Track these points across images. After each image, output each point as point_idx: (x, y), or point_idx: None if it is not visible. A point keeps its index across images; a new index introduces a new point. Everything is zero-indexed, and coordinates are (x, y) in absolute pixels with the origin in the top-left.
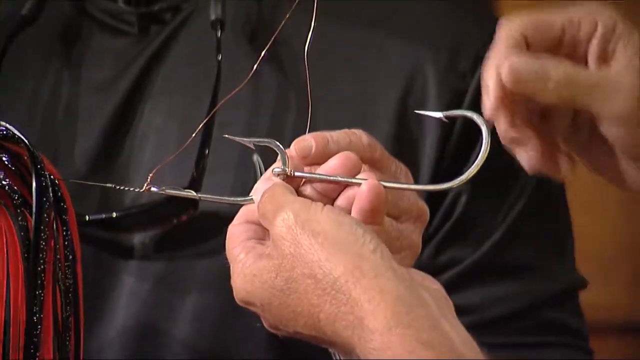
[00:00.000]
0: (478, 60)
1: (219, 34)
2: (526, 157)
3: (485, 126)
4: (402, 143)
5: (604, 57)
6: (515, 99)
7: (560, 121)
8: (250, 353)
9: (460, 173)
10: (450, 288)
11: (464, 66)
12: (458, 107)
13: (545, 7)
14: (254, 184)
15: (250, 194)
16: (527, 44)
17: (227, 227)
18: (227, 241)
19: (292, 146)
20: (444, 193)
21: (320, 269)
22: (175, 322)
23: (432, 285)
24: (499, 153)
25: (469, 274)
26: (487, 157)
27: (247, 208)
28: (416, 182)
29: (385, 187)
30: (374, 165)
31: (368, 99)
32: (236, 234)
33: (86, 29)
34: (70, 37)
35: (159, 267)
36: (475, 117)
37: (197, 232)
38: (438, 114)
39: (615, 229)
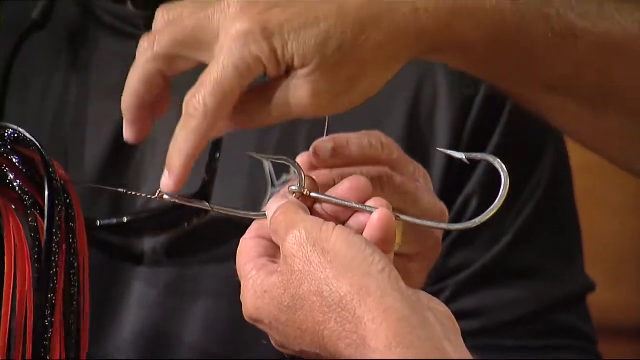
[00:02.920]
0: None
1: None
2: None
3: (504, 171)
4: (412, 150)
5: None
6: None
7: None
8: (261, 358)
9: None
10: (461, 291)
11: None
12: (468, 111)
13: None
14: (266, 190)
15: (263, 209)
16: None
17: (238, 233)
18: (238, 255)
19: (311, 148)
20: (454, 195)
21: (327, 286)
22: (185, 327)
23: (438, 307)
24: (510, 155)
25: (479, 277)
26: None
27: (260, 222)
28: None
29: (397, 218)
30: (393, 166)
31: (378, 106)
32: (248, 249)
33: (94, 32)
34: (78, 41)
35: (169, 273)
36: (495, 162)
37: (208, 238)
38: (460, 155)
39: (625, 231)
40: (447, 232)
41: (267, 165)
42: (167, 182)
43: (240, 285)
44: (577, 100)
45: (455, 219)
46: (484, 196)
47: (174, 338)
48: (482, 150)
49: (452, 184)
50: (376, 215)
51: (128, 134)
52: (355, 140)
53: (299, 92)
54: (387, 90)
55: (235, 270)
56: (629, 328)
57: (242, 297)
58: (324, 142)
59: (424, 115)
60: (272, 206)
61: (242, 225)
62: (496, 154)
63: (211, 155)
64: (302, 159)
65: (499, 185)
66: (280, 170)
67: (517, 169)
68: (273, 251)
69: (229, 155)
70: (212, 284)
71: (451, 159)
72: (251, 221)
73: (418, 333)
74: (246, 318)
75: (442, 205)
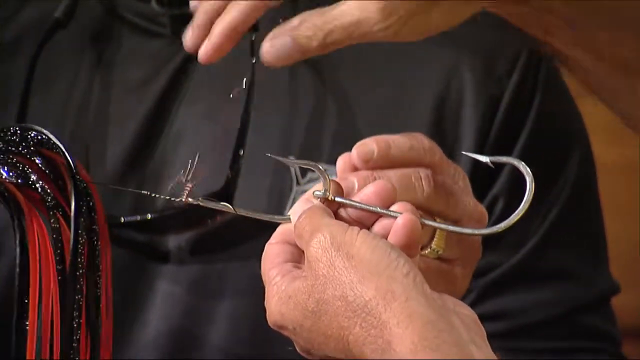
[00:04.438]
0: (514, 64)
1: (253, 37)
2: None
3: (529, 175)
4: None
5: None
6: None
7: None
8: (285, 358)
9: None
10: (487, 293)
11: (500, 70)
12: (494, 111)
13: None
14: (291, 188)
15: (288, 213)
16: None
17: (262, 231)
18: (263, 261)
19: (353, 150)
20: (480, 197)
21: (352, 290)
22: (210, 326)
23: (463, 311)
24: (536, 159)
25: (505, 280)
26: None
27: (285, 227)
28: None
29: (422, 224)
30: (434, 168)
31: (405, 104)
32: (273, 254)
33: (118, 30)
34: (102, 39)
35: (194, 271)
36: (520, 165)
37: (232, 236)
38: (485, 158)
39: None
40: None
41: (293, 164)
42: (204, 49)
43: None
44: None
45: None
46: (510, 199)
47: (198, 337)
48: (508, 151)
49: (478, 186)
50: (401, 220)
51: (209, 55)
52: (397, 143)
53: (370, 5)
54: (413, 88)
55: (260, 269)
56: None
57: (267, 303)
58: (367, 144)
59: (450, 113)
60: (296, 210)
61: (266, 224)
62: (523, 155)
63: (235, 153)
64: (343, 159)
65: (524, 189)
66: (306, 168)
67: (543, 171)
68: (298, 256)
69: (253, 153)
70: (237, 282)
71: (477, 159)
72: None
73: (444, 337)
74: (270, 324)
75: (481, 208)
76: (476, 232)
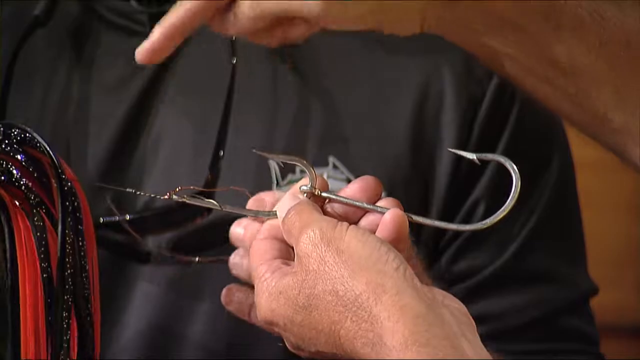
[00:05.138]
0: None
1: (234, 37)
2: None
3: (515, 172)
4: (419, 149)
5: None
6: None
7: None
8: (264, 356)
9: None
10: (470, 297)
11: (480, 72)
12: (475, 112)
13: None
14: (270, 189)
15: (274, 208)
16: None
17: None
18: (251, 256)
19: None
20: (462, 198)
21: (343, 285)
22: (190, 326)
23: (453, 304)
24: (517, 160)
25: (488, 284)
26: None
27: (272, 223)
28: (432, 190)
29: (409, 219)
30: None
31: (386, 104)
32: (262, 250)
33: (97, 29)
34: (81, 37)
35: (174, 272)
36: (507, 163)
37: (211, 237)
38: (471, 155)
39: (624, 231)
40: (455, 237)
41: (273, 165)
42: (141, 47)
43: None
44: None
45: (463, 223)
46: (492, 199)
47: (178, 337)
48: (490, 152)
49: (460, 187)
50: (389, 216)
51: (146, 55)
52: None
53: None
54: (393, 90)
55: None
56: (627, 327)
57: (256, 300)
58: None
59: (431, 114)
60: (283, 206)
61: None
62: (509, 185)
63: (215, 154)
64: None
65: (510, 186)
66: (286, 169)
67: (524, 174)
68: (286, 252)
69: (233, 154)
70: (217, 282)
71: (458, 162)
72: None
73: (434, 331)
74: (260, 321)
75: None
76: (463, 227)
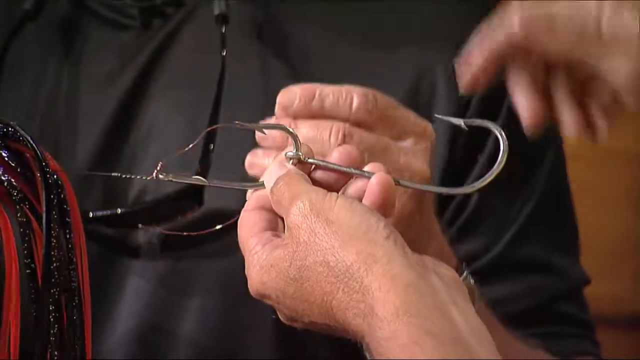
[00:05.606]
0: None
1: (224, 29)
2: (520, 110)
3: (503, 137)
4: None
5: None
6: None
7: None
8: (256, 352)
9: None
10: None
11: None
12: (467, 105)
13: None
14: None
15: (261, 179)
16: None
17: (232, 226)
18: (240, 228)
19: (278, 95)
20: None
21: (333, 256)
22: (181, 322)
23: (444, 272)
24: (512, 152)
25: (484, 272)
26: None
27: (259, 193)
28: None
29: (396, 183)
30: (366, 126)
31: None
32: (251, 222)
33: (87, 23)
34: (70, 32)
35: (164, 267)
36: (494, 128)
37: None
38: (458, 121)
39: (621, 223)
40: (449, 225)
41: None
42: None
43: (234, 281)
44: None
45: (454, 215)
46: (483, 192)
47: (169, 333)
48: (481, 145)
49: (452, 179)
50: (374, 180)
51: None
52: (323, 95)
53: None
54: (384, 83)
55: (231, 265)
56: (624, 318)
57: (247, 273)
58: (291, 91)
59: (422, 107)
60: (271, 175)
61: (236, 219)
62: (496, 148)
63: (205, 147)
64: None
65: (498, 151)
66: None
67: (517, 164)
68: (275, 223)
69: (223, 147)
70: (207, 278)
71: (451, 154)
72: None
73: (425, 300)
74: (252, 293)
75: (425, 123)
76: (451, 191)
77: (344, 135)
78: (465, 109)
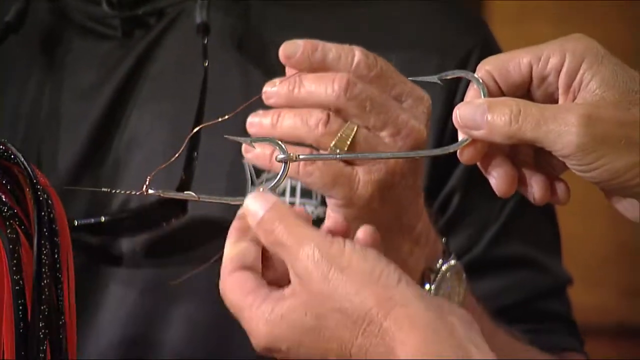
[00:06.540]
0: (468, 59)
1: (205, 40)
2: (495, 181)
3: (479, 82)
4: None
5: (570, 91)
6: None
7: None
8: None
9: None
10: None
11: (455, 66)
12: (451, 104)
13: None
14: (245, 190)
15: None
16: (498, 85)
17: (216, 234)
18: (229, 292)
19: (282, 45)
20: (438, 190)
21: (350, 302)
22: (165, 330)
23: (457, 310)
24: None
25: (468, 269)
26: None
27: (234, 254)
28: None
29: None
30: (371, 83)
31: None
32: (239, 284)
33: (68, 34)
34: (52, 43)
35: (148, 275)
36: (468, 75)
37: (186, 239)
38: (432, 79)
39: (605, 234)
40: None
41: (247, 165)
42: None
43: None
44: None
45: (438, 213)
46: (466, 191)
47: (154, 342)
48: None
49: (436, 179)
50: (361, 234)
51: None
52: (325, 50)
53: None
54: None
55: (216, 272)
56: (609, 328)
57: (250, 329)
58: (295, 43)
59: None
60: (254, 204)
61: (221, 227)
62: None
63: (188, 156)
64: None
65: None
66: (260, 169)
67: None
68: (261, 279)
69: (207, 156)
70: (192, 285)
71: (436, 157)
72: (230, 222)
73: (444, 340)
74: (259, 350)
75: (420, 90)
76: (422, 153)
77: (347, 84)
78: (451, 103)
